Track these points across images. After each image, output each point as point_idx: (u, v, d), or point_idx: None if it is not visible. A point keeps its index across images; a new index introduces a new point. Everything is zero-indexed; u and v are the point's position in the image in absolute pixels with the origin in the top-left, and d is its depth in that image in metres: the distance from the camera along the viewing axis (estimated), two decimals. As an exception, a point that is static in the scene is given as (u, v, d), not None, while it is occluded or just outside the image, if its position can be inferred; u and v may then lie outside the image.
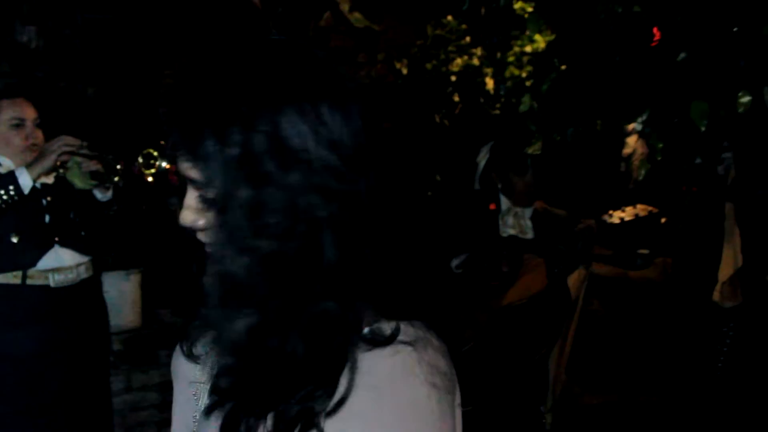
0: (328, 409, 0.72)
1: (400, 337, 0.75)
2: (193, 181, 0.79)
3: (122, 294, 3.67)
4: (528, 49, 4.05)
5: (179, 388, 0.96)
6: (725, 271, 2.08)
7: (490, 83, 4.17)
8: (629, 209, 3.06)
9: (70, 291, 2.80)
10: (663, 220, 3.31)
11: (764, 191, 1.89)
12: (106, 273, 3.52)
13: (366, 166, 0.78)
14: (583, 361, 4.26)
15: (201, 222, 0.81)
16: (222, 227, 0.76)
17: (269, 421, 0.74)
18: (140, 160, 2.91)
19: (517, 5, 3.11)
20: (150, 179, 2.86)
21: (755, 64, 1.46)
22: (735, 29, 1.43)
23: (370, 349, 0.75)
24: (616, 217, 3.00)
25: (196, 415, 0.90)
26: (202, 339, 0.91)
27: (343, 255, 0.75)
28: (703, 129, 1.48)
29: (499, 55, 3.85)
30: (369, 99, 0.82)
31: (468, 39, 4.28)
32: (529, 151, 2.06)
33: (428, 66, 4.35)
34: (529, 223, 2.88)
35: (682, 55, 1.53)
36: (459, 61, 4.28)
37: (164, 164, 2.95)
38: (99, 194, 2.91)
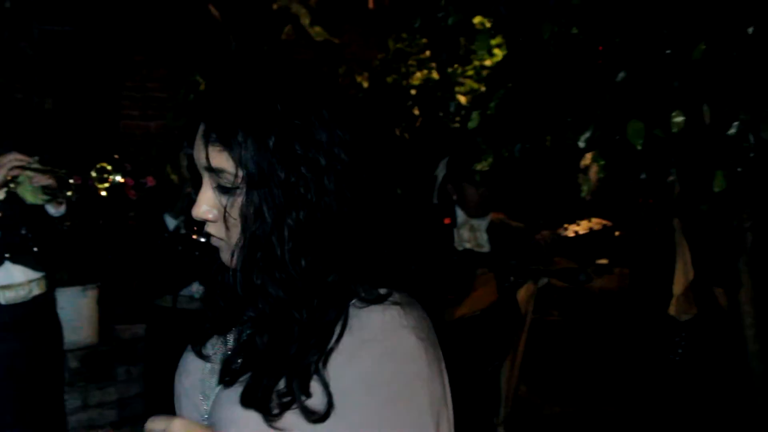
0: (323, 355, 0.82)
1: (390, 299, 0.86)
2: (216, 170, 0.85)
3: (78, 310, 3.61)
4: (488, 63, 4.10)
5: (189, 381, 1.00)
6: (678, 285, 2.12)
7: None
8: (584, 223, 3.11)
9: (22, 308, 2.74)
10: (617, 233, 3.37)
11: (707, 206, 1.93)
12: (61, 289, 3.45)
13: (362, 165, 0.88)
14: (543, 371, 4.29)
15: (213, 214, 0.89)
16: (257, 204, 0.84)
17: (281, 380, 0.83)
18: (93, 174, 2.87)
19: (477, 20, 3.15)
20: (104, 193, 2.83)
21: (688, 85, 1.50)
22: (668, 51, 1.48)
23: (362, 307, 0.85)
24: (570, 230, 3.05)
25: (203, 399, 0.96)
26: (210, 341, 0.99)
27: (350, 231, 0.86)
28: (639, 148, 1.51)
29: (455, 69, 3.89)
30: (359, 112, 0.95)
31: (428, 53, 4.31)
32: (478, 167, 2.09)
33: (389, 79, 4.37)
34: (485, 235, 2.90)
35: (621, 75, 1.57)
36: (419, 74, 4.31)
37: (118, 178, 2.92)
38: (52, 209, 2.86)
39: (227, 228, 0.89)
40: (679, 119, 1.51)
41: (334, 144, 0.85)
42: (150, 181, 3.96)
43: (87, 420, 3.61)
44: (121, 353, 3.71)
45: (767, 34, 1.52)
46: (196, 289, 3.00)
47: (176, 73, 4.36)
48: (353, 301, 0.86)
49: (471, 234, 2.86)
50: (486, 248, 2.88)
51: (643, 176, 1.99)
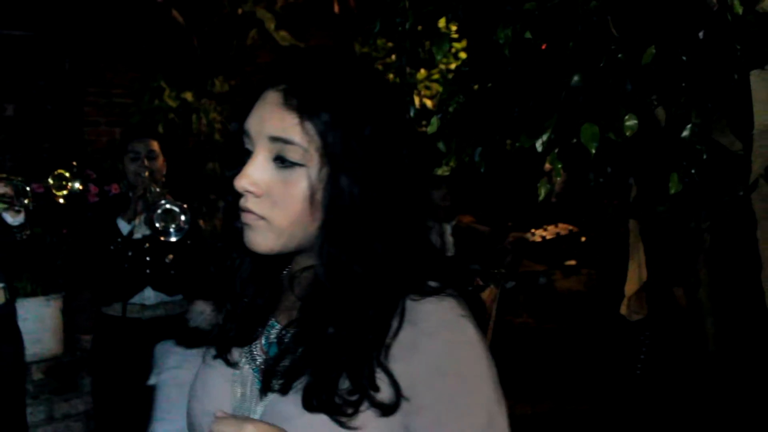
0: (384, 348, 0.80)
1: (443, 291, 0.84)
2: (285, 141, 0.79)
3: (42, 321, 3.55)
4: (453, 66, 4.12)
5: (211, 397, 0.92)
6: (630, 286, 2.15)
7: (417, 100, 4.21)
8: (551, 228, 3.14)
9: (-20, 320, 2.69)
10: (583, 238, 3.40)
11: (663, 208, 1.95)
12: (24, 299, 3.40)
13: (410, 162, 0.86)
14: (514, 372, 4.32)
15: (258, 188, 0.81)
16: (345, 186, 0.79)
17: (344, 378, 0.80)
18: (51, 181, 2.83)
19: (442, 23, 3.16)
20: (62, 201, 2.78)
21: (640, 89, 1.52)
22: (619, 55, 1.49)
23: (418, 299, 0.83)
24: (537, 235, 3.08)
25: (237, 405, 0.89)
26: (236, 347, 0.92)
27: (412, 222, 0.84)
28: (593, 151, 1.53)
29: (412, 73, 3.90)
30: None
31: (394, 57, 4.32)
32: (439, 172, 2.09)
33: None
34: (450, 239, 2.91)
35: (575, 78, 1.58)
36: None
37: (77, 185, 2.87)
38: (9, 218, 2.81)
39: (272, 205, 0.82)
40: (632, 122, 1.52)
41: (407, 138, 0.85)
42: (114, 189, 3.90)
43: (53, 432, 3.55)
44: (87, 364, 3.65)
45: (717, 39, 1.55)
46: (148, 295, 2.96)
47: (141, 78, 4.31)
48: (408, 294, 0.83)
49: (435, 238, 2.86)
50: (451, 252, 2.89)
51: (601, 180, 2.01)
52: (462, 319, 0.83)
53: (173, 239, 2.75)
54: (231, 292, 0.93)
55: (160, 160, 2.99)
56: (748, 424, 2.30)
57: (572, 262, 4.64)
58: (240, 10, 4.21)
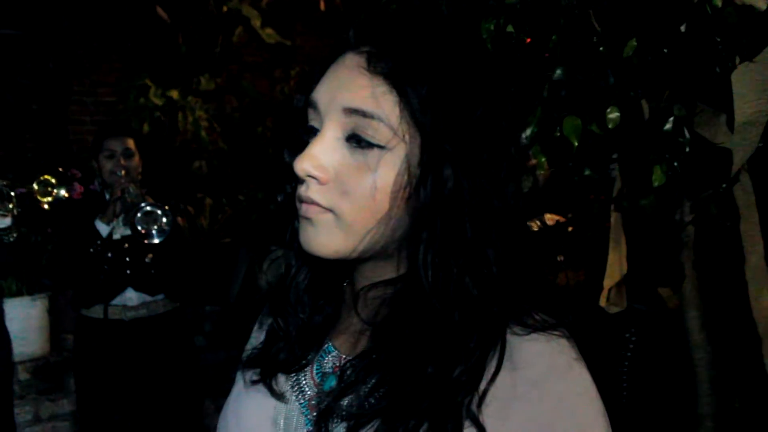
0: (479, 394, 0.63)
1: (550, 325, 0.67)
2: (368, 114, 0.63)
3: (28, 321, 3.53)
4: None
5: (253, 422, 0.76)
6: (610, 278, 2.15)
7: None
8: (532, 224, 3.13)
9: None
10: (570, 228, 3.41)
11: (647, 201, 1.96)
12: (10, 299, 3.37)
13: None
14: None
15: (325, 173, 0.65)
16: (451, 179, 0.63)
17: (425, 425, 0.63)
18: (36, 186, 2.80)
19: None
20: (46, 207, 2.75)
21: (623, 82, 1.53)
22: (601, 48, 1.50)
23: (522, 334, 0.66)
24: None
25: None
26: (282, 373, 0.75)
27: (518, 234, 0.68)
28: (575, 144, 1.53)
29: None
30: None
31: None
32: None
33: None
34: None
35: (558, 72, 1.58)
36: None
37: (63, 192, 2.84)
38: (-5, 221, 2.79)
39: (342, 194, 0.65)
40: (614, 115, 1.53)
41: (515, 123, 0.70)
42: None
43: (39, 433, 3.53)
44: (71, 365, 3.63)
45: (698, 32, 1.55)
46: (129, 296, 2.92)
47: (126, 77, 4.29)
48: (509, 325, 0.67)
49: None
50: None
51: (587, 172, 2.02)
52: (576, 363, 0.66)
53: (156, 241, 2.73)
54: (285, 306, 0.76)
55: (136, 159, 2.94)
56: (732, 417, 2.31)
57: (560, 257, 4.65)
58: (225, 8, 4.20)
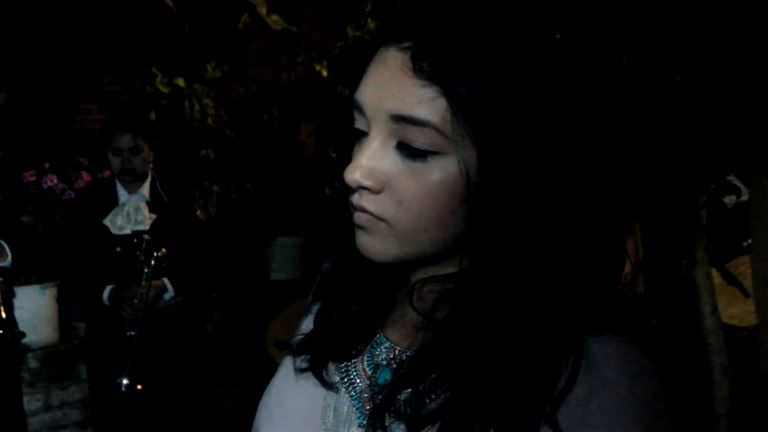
0: (556, 398, 0.60)
1: (625, 330, 0.65)
2: (414, 121, 0.58)
3: (38, 309, 3.54)
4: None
5: (299, 411, 0.73)
6: (626, 265, 2.15)
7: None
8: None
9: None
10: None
11: (661, 185, 1.95)
12: (19, 288, 3.38)
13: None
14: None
15: (377, 181, 0.61)
16: (510, 183, 0.58)
17: (492, 430, 0.60)
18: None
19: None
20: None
21: (633, 66, 1.51)
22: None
23: (595, 337, 0.64)
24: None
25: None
26: (333, 361, 0.73)
27: (584, 234, 0.63)
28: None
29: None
30: None
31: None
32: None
33: (349, 68, 4.33)
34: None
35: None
36: (379, 62, 4.27)
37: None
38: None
39: (396, 203, 0.61)
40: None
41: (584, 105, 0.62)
42: (107, 175, 3.88)
43: (50, 420, 3.55)
44: (83, 351, 3.64)
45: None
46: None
47: (132, 65, 4.28)
48: (585, 326, 0.64)
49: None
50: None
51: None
52: (648, 366, 0.64)
53: None
54: (337, 298, 0.73)
55: (144, 153, 2.94)
56: (743, 402, 2.30)
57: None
58: (231, -5, 4.18)
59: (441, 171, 0.60)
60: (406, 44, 0.59)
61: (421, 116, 0.58)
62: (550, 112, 0.58)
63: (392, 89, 0.59)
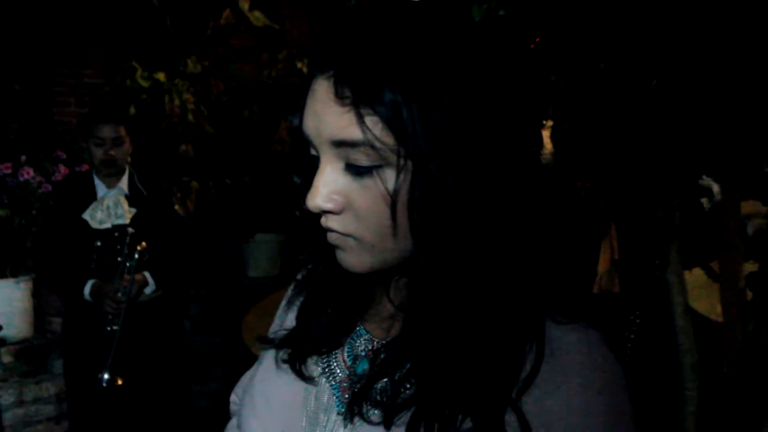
0: (520, 383, 0.64)
1: (582, 318, 0.69)
2: (350, 143, 0.61)
3: (11, 303, 3.50)
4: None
5: (282, 403, 0.76)
6: (602, 264, 2.19)
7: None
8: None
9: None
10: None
11: (636, 187, 1.98)
12: (-8, 282, 3.35)
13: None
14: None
15: (337, 204, 0.65)
16: (441, 186, 0.61)
17: (463, 418, 0.64)
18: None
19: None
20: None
21: (613, 70, 1.54)
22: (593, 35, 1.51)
23: (559, 325, 0.67)
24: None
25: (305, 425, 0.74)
26: (315, 357, 0.76)
27: (532, 226, 0.66)
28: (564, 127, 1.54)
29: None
30: None
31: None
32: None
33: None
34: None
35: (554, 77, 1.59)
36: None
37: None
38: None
39: (356, 219, 0.65)
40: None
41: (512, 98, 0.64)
42: (86, 169, 3.85)
43: (23, 416, 3.51)
44: (57, 346, 3.61)
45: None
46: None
47: (112, 58, 4.25)
48: (549, 314, 0.68)
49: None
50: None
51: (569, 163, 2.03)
52: (611, 355, 0.68)
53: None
54: (317, 299, 0.77)
55: (126, 145, 2.92)
56: (714, 401, 2.35)
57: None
58: (213, -10, 4.16)
59: (388, 182, 0.63)
60: (329, 73, 0.62)
61: (354, 138, 0.61)
62: (460, 115, 0.61)
63: (325, 117, 0.63)
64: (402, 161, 0.61)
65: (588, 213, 3.46)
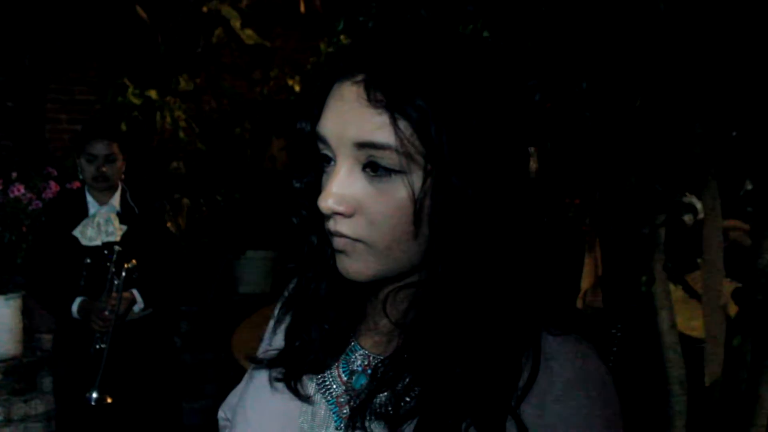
0: (519, 392, 0.66)
1: (576, 330, 0.72)
2: (376, 145, 0.63)
3: (1, 320, 3.49)
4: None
5: (277, 420, 0.76)
6: (586, 280, 2.21)
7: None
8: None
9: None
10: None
11: (621, 202, 2.01)
12: (-18, 299, 3.34)
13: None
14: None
15: (348, 206, 0.66)
16: (464, 195, 0.63)
17: (467, 427, 0.65)
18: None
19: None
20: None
21: (595, 88, 1.57)
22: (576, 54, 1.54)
23: (555, 337, 0.70)
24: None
25: None
26: (310, 375, 0.76)
27: (534, 240, 0.69)
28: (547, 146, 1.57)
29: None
30: None
31: (360, 57, 4.33)
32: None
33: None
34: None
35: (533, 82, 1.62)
36: (351, 78, 4.32)
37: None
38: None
39: (369, 224, 0.66)
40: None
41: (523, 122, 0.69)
42: (77, 186, 3.85)
43: (11, 434, 3.49)
44: (46, 364, 3.59)
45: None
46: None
47: (104, 75, 4.27)
48: (545, 326, 0.70)
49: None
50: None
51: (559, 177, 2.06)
52: (602, 367, 0.70)
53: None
54: (307, 316, 0.77)
55: (119, 163, 2.92)
56: (702, 417, 2.36)
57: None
58: (205, 8, 4.20)
59: (406, 188, 0.64)
60: (359, 78, 0.65)
61: (381, 140, 0.63)
62: (491, 129, 0.64)
63: (352, 119, 0.64)
64: (424, 168, 0.63)
65: (576, 229, 3.49)
